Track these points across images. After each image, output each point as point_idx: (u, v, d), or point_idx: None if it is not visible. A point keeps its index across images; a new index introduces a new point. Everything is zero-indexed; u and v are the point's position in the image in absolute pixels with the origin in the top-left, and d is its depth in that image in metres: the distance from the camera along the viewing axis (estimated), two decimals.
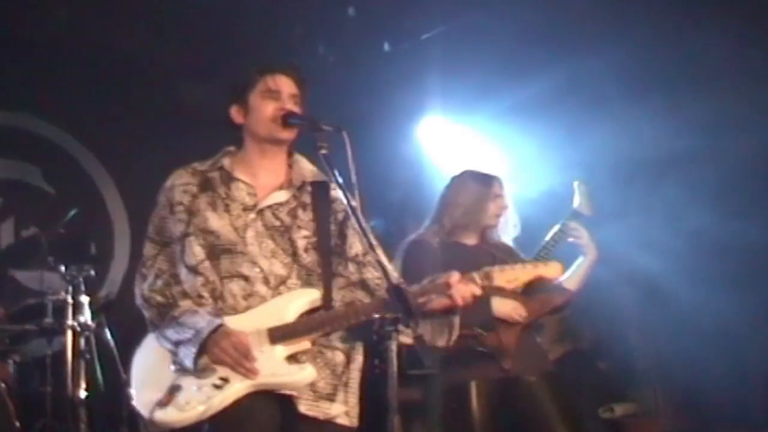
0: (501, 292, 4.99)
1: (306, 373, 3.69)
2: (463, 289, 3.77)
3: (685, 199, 6.58)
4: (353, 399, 3.88)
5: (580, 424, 5.27)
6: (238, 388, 3.65)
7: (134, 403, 3.75)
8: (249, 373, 3.63)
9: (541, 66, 7.07)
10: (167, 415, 3.64)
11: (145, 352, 3.85)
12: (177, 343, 3.72)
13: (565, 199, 5.52)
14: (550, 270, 4.03)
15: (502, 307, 5.16)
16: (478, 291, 3.81)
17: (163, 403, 3.64)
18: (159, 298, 3.82)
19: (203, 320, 3.69)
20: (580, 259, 5.43)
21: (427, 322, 3.94)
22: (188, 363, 3.68)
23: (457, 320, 3.97)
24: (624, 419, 6.92)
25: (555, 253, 5.32)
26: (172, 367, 3.71)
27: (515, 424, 5.20)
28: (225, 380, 3.65)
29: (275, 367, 3.67)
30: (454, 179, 5.53)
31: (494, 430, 5.12)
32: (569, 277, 5.43)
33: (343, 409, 3.82)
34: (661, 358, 6.87)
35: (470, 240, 5.37)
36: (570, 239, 5.38)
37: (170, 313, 3.77)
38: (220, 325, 3.67)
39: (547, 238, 5.37)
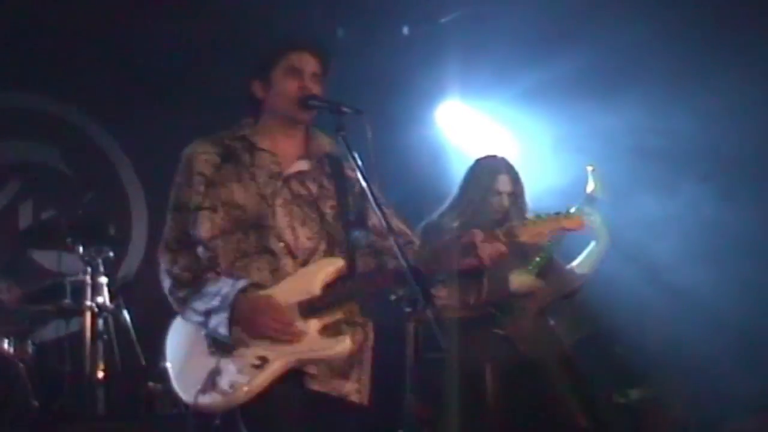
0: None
1: (345, 345, 3.68)
2: (488, 247, 3.73)
3: (701, 186, 6.56)
4: (366, 377, 3.88)
5: (595, 405, 5.28)
6: (278, 365, 3.64)
7: (175, 389, 3.75)
8: (293, 338, 3.63)
9: (560, 49, 7.04)
10: (213, 401, 3.64)
11: (177, 337, 3.85)
12: (207, 313, 3.70)
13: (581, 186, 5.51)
14: (571, 221, 4.00)
15: (521, 282, 5.19)
16: (503, 248, 3.76)
17: (205, 389, 3.64)
18: (187, 275, 3.80)
19: (226, 284, 3.69)
20: (592, 245, 5.43)
21: (454, 282, 3.93)
22: (223, 330, 3.66)
23: (485, 279, 3.97)
24: (639, 404, 6.91)
25: (568, 239, 5.33)
26: (209, 350, 3.70)
27: (531, 407, 5.20)
28: (263, 359, 3.64)
29: (311, 342, 3.66)
30: (470, 167, 5.54)
31: (510, 413, 5.13)
32: (581, 262, 5.44)
33: (356, 387, 3.82)
34: (676, 344, 6.86)
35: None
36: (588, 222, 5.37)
37: (193, 286, 3.77)
38: (246, 286, 3.68)
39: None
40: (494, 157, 5.56)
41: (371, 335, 3.94)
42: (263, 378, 3.63)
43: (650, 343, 6.96)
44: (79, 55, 8.15)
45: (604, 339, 7.14)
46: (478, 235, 3.75)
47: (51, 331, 7.34)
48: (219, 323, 3.67)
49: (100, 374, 6.86)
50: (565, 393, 5.17)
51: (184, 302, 3.78)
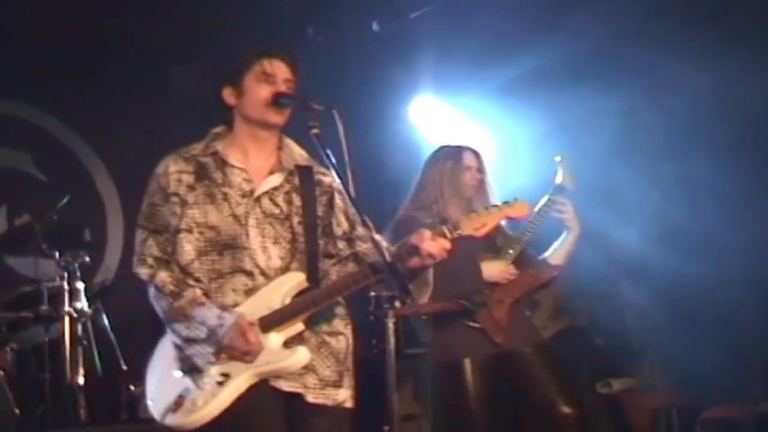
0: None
1: (299, 355, 3.69)
2: (430, 245, 3.71)
3: (680, 177, 6.59)
4: (353, 381, 3.91)
5: (576, 392, 5.30)
6: (240, 380, 3.66)
7: (151, 411, 3.78)
8: (250, 353, 3.65)
9: (534, 42, 7.05)
10: (177, 419, 3.68)
11: (158, 358, 3.88)
12: (188, 340, 3.73)
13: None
14: (516, 209, 4.01)
15: (492, 269, 5.21)
16: (447, 244, 3.75)
17: (173, 408, 3.68)
18: (172, 287, 3.79)
19: (212, 315, 3.69)
20: (564, 234, 5.44)
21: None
22: (199, 362, 3.70)
23: (429, 275, 4.00)
24: (622, 394, 6.93)
25: (541, 229, 5.36)
26: (179, 371, 3.73)
27: (512, 398, 5.22)
28: (226, 375, 3.66)
29: (270, 355, 3.68)
30: (429, 156, 5.56)
31: (490, 406, 5.14)
32: (554, 252, 5.45)
33: (349, 393, 3.86)
34: (657, 333, 6.88)
35: (455, 215, 5.37)
36: (555, 214, 5.37)
37: (175, 303, 3.77)
38: (233, 323, 3.68)
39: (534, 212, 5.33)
40: (453, 143, 5.60)
41: (352, 341, 3.95)
42: (226, 394, 3.65)
43: (631, 334, 6.98)
44: (51, 60, 8.13)
45: (585, 330, 7.17)
46: (423, 234, 3.75)
47: (30, 337, 7.29)
48: (197, 354, 3.71)
49: (81, 380, 6.84)
50: (546, 380, 5.18)
51: (168, 315, 3.79)
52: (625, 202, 6.67)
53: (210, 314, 3.70)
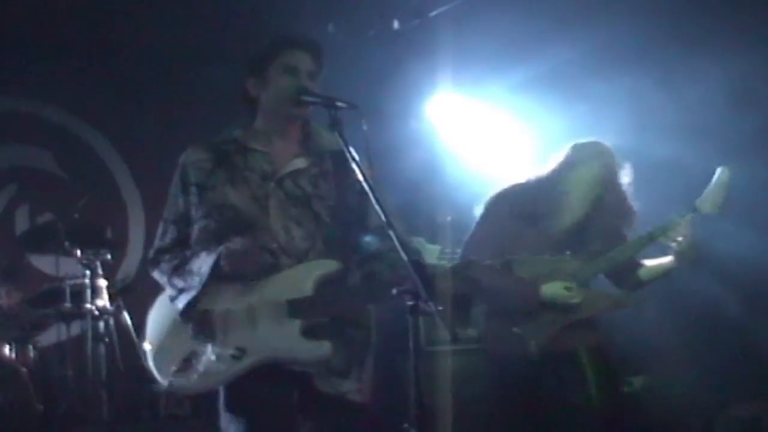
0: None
1: (322, 350, 3.68)
2: None
3: (706, 169, 6.56)
4: (366, 376, 3.88)
5: (617, 393, 5.10)
6: (254, 359, 3.67)
7: (150, 364, 3.78)
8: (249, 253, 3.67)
9: (553, 38, 7.04)
10: (186, 382, 3.69)
11: (161, 313, 3.87)
12: (180, 290, 3.77)
13: None
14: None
15: (550, 294, 4.77)
16: None
17: (181, 370, 3.68)
18: (167, 256, 3.87)
19: (205, 262, 3.71)
20: (670, 259, 4.84)
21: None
22: (180, 305, 3.73)
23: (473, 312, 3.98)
24: (643, 392, 6.91)
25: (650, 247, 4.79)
26: (192, 333, 3.73)
27: (553, 399, 4.93)
28: (242, 350, 3.66)
29: (292, 342, 3.68)
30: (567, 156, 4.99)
31: (533, 408, 4.94)
32: (649, 271, 4.96)
33: (356, 386, 3.82)
34: (677, 331, 6.85)
35: None
36: (669, 243, 4.72)
37: (177, 266, 3.82)
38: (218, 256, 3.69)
39: (651, 230, 4.75)
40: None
41: (374, 334, 3.94)
42: (238, 368, 3.66)
43: (650, 332, 6.95)
44: (73, 59, 8.17)
45: (606, 328, 7.14)
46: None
47: (52, 335, 7.35)
48: (182, 300, 3.74)
49: (103, 377, 6.88)
50: (588, 383, 4.90)
51: (168, 279, 3.86)
52: (650, 197, 6.63)
53: (203, 262, 3.73)
